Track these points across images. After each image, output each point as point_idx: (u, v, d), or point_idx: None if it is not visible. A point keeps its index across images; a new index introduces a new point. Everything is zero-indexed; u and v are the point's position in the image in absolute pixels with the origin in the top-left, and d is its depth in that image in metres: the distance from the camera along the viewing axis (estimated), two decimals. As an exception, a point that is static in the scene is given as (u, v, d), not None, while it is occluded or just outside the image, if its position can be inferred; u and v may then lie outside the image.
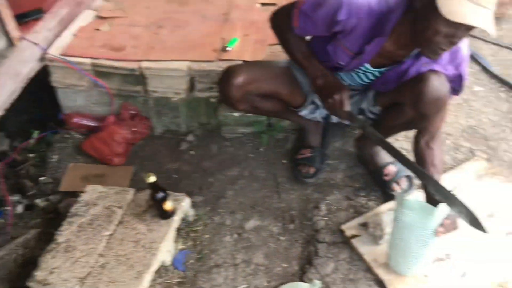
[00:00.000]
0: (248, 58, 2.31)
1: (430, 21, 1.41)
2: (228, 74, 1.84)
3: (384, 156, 2.09)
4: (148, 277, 1.81)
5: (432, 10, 1.39)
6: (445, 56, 1.64)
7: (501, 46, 2.81)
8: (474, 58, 2.73)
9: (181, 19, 2.65)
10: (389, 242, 1.73)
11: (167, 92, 2.45)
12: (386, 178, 2.05)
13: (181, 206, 2.02)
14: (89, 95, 2.56)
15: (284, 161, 2.34)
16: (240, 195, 2.21)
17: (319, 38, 1.80)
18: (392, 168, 2.06)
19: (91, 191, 2.14)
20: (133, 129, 2.54)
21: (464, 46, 1.67)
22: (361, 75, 1.84)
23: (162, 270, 1.92)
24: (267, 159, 2.37)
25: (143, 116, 2.59)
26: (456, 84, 1.74)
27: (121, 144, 2.47)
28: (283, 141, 2.44)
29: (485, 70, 2.65)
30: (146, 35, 2.54)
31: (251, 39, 2.44)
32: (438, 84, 1.64)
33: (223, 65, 2.27)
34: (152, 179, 1.85)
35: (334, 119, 2.11)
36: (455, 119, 2.40)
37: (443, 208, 1.53)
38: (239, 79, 1.82)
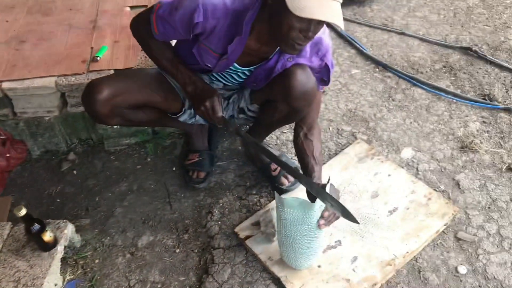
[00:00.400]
0: (120, 66, 2.19)
1: (282, 17, 1.40)
2: (90, 89, 1.72)
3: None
4: (32, 319, 1.66)
5: (282, 6, 1.37)
6: (308, 48, 1.65)
7: (373, 27, 2.92)
8: (349, 42, 2.81)
9: (45, 30, 2.46)
10: (278, 240, 1.73)
11: (38, 112, 2.26)
12: (274, 173, 2.06)
13: (64, 234, 1.88)
14: (-50, 124, 2.30)
15: (174, 169, 2.26)
16: (130, 211, 2.10)
17: (184, 42, 1.73)
18: (279, 162, 2.06)
19: (-39, 232, 1.93)
20: (6, 155, 2.32)
21: (326, 36, 1.69)
22: (233, 74, 1.81)
23: (51, 307, 1.78)
24: (156, 168, 2.28)
25: (17, 139, 2.38)
26: (324, 74, 1.76)
27: (-6, 174, 2.25)
28: (171, 148, 2.36)
29: (360, 52, 2.74)
30: (6, 52, 2.32)
31: (122, 45, 2.31)
32: (304, 78, 1.64)
33: (94, 76, 2.16)
34: (22, 212, 1.70)
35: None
36: (336, 104, 2.46)
37: (320, 202, 1.54)
38: (103, 94, 1.70)
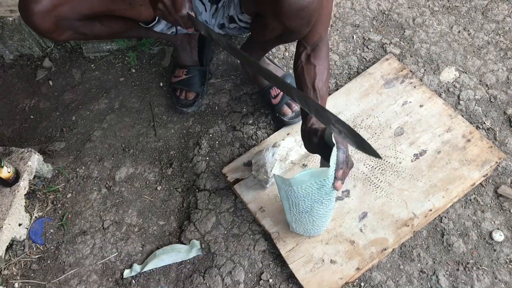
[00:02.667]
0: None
1: None
2: (26, -3, 1.30)
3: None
4: (-9, 264, 1.49)
5: None
6: None
7: None
8: None
9: None
10: (288, 218, 1.38)
11: (0, 11, 1.88)
12: (274, 100, 1.66)
13: (28, 166, 1.63)
14: None
15: (162, 85, 1.90)
16: (109, 135, 1.81)
17: None
18: (281, 87, 1.65)
19: None
20: (-26, 61, 2.01)
21: None
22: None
23: (17, 247, 1.60)
24: (141, 82, 1.92)
25: (-16, 42, 2.04)
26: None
27: (-39, 83, 1.97)
28: (160, 57, 1.97)
29: None
30: None
31: None
32: None
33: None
34: (-33, 149, 1.42)
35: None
36: (365, 3, 1.94)
37: (333, 161, 1.16)
38: (42, 3, 1.29)
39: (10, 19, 1.91)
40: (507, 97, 1.65)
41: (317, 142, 1.23)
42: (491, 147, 1.53)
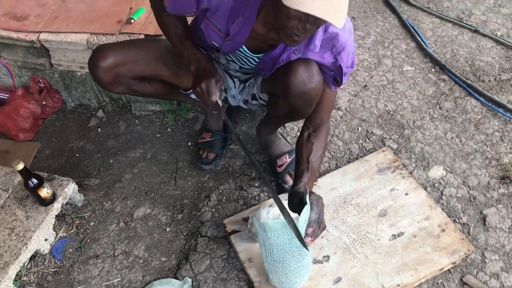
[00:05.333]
0: (151, 32, 2.14)
1: (278, 4, 1.23)
2: (96, 54, 1.68)
3: (280, 146, 1.97)
4: (14, 268, 1.74)
5: None
6: (318, 42, 1.47)
7: (444, 19, 2.58)
8: (411, 33, 2.51)
9: (94, -16, 2.46)
10: (265, 266, 1.60)
11: (72, 66, 2.31)
12: (279, 169, 1.93)
13: (64, 192, 1.93)
14: (-2, 66, 2.43)
15: (190, 144, 2.21)
16: (137, 179, 2.11)
17: (198, 18, 1.63)
18: (286, 159, 1.93)
19: (-18, 171, 2.05)
20: (42, 103, 2.42)
21: (345, 32, 1.48)
22: (244, 59, 1.68)
23: (39, 259, 1.86)
24: (173, 140, 2.25)
25: (54, 89, 2.46)
26: (337, 74, 1.56)
27: (28, 118, 2.36)
28: (192, 121, 2.31)
29: (420, 47, 2.44)
30: (53, 3, 2.37)
31: (160, 10, 2.25)
32: (305, 76, 1.48)
33: (124, 38, 2.14)
34: (20, 166, 1.75)
35: (234, 101, 1.96)
36: (374, 103, 2.23)
37: (303, 217, 1.40)
38: (107, 61, 1.66)
39: (79, 73, 2.32)
40: (485, 199, 1.85)
41: (297, 202, 1.48)
42: (463, 239, 1.71)
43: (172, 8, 1.57)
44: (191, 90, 1.89)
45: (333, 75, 1.58)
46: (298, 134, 2.10)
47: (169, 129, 2.30)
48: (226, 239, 1.82)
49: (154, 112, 2.37)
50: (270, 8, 1.37)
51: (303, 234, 1.41)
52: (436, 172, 1.94)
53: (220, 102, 1.55)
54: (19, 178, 2.00)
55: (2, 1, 2.39)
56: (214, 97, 1.53)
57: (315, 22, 1.24)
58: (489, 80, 2.26)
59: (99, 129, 2.36)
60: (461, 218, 1.80)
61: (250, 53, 1.62)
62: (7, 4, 2.37)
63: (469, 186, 1.89)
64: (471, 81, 2.25)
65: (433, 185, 1.90)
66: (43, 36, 2.20)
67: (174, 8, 1.56)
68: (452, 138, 2.06)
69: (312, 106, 1.58)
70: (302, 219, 1.38)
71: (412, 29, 2.52)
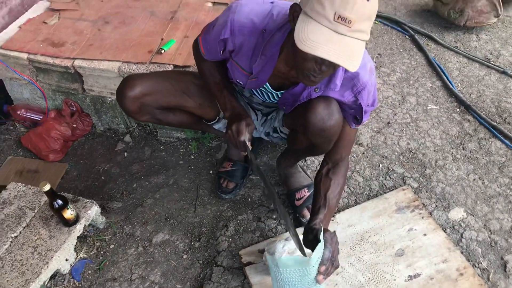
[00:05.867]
0: (180, 62, 2.22)
1: (295, 47, 1.27)
2: (124, 84, 1.76)
3: (299, 179, 1.98)
4: (35, 286, 1.79)
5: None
6: (339, 81, 1.50)
7: (472, 59, 2.57)
8: (437, 71, 2.51)
9: (129, 15, 2.58)
10: None
11: (103, 92, 2.40)
12: (297, 202, 1.94)
13: (87, 214, 1.99)
14: (34, 89, 2.55)
15: (211, 172, 2.25)
16: (158, 204, 2.15)
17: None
18: (305, 192, 1.95)
19: (12, 189, 2.14)
20: (73, 125, 2.52)
21: (366, 72, 1.51)
22: (266, 94, 1.73)
23: (59, 278, 1.91)
24: (195, 167, 2.29)
25: (85, 113, 2.56)
26: (358, 113, 1.58)
27: (58, 140, 2.45)
28: (215, 150, 2.35)
29: (445, 86, 2.44)
30: (89, 31, 2.48)
31: (189, 41, 2.33)
32: (325, 114, 1.51)
33: (153, 68, 2.22)
34: (46, 187, 1.82)
35: (256, 133, 2.00)
36: (396, 140, 2.23)
37: (316, 255, 1.41)
38: (135, 91, 1.73)
39: (109, 99, 2.41)
40: (507, 245, 1.81)
41: (312, 239, 1.49)
42: (482, 285, 1.67)
43: (208, 55, 1.66)
44: (214, 121, 1.94)
45: (354, 113, 1.60)
46: (318, 168, 2.12)
47: (192, 157, 2.35)
48: (241, 270, 1.83)
49: (178, 139, 2.43)
50: (290, 48, 1.42)
51: (315, 272, 1.41)
52: (457, 213, 1.91)
53: (248, 144, 1.61)
54: (45, 198, 2.07)
55: (42, 28, 2.52)
56: (243, 137, 1.59)
57: (331, 64, 1.27)
58: (515, 123, 2.24)
59: (125, 154, 2.43)
60: (481, 263, 1.76)
61: (273, 90, 1.66)
62: (46, 31, 2.50)
63: (490, 230, 1.85)
64: (496, 122, 2.23)
65: (453, 227, 1.88)
66: (77, 62, 2.31)
67: (209, 54, 1.65)
68: (474, 179, 2.03)
69: (331, 142, 1.60)
70: (315, 257, 1.39)
71: (438, 68, 2.52)
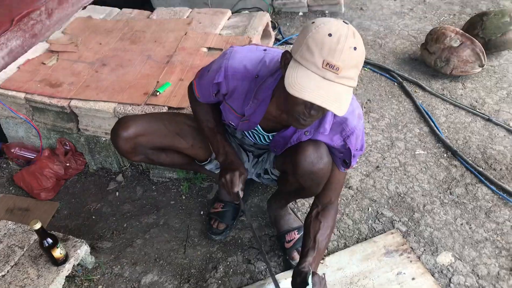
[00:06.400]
0: (175, 104, 2.27)
1: (286, 91, 1.32)
2: (118, 124, 1.81)
3: (289, 221, 2.00)
4: (19, 327, 1.77)
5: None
6: (328, 126, 1.55)
7: (458, 106, 2.65)
8: (425, 118, 2.59)
9: (126, 57, 2.65)
10: None
11: (98, 132, 2.44)
12: (287, 245, 1.95)
13: (76, 253, 1.98)
14: (29, 127, 2.58)
15: (202, 213, 2.26)
16: (148, 245, 2.15)
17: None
18: (294, 235, 1.96)
19: (2, 227, 2.14)
20: (66, 164, 2.54)
21: (354, 117, 1.56)
22: (259, 136, 1.77)
23: (45, 319, 1.88)
24: (186, 208, 2.31)
25: (78, 152, 2.58)
26: (347, 157, 1.63)
27: (51, 178, 2.47)
28: (207, 190, 2.37)
29: (433, 132, 2.50)
30: (86, 72, 2.55)
31: (184, 84, 2.40)
32: (314, 158, 1.55)
33: (148, 110, 2.26)
34: (37, 226, 1.82)
35: (251, 175, 2.04)
36: (385, 184, 2.27)
37: None
38: (128, 132, 1.78)
39: (103, 139, 2.45)
40: (494, 290, 1.82)
41: (300, 282, 1.50)
42: (470, 330, 1.67)
43: (202, 98, 1.73)
44: (206, 162, 1.98)
45: (343, 157, 1.64)
46: (309, 210, 2.14)
47: (184, 197, 2.36)
48: (230, 313, 1.82)
49: (170, 179, 2.45)
50: (281, 93, 1.47)
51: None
52: (445, 258, 1.93)
53: (241, 194, 1.67)
54: (35, 236, 2.06)
55: (40, 69, 2.59)
56: (236, 188, 1.66)
57: (319, 109, 1.32)
58: (501, 169, 2.28)
59: (117, 193, 2.44)
60: (469, 308, 1.77)
61: (264, 132, 1.71)
62: (44, 71, 2.57)
63: (478, 275, 1.87)
64: (482, 168, 2.28)
65: (441, 271, 1.89)
66: (73, 102, 2.36)
67: (203, 97, 1.72)
68: (462, 224, 2.06)
69: (320, 185, 1.64)
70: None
71: (426, 114, 2.60)
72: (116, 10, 3.16)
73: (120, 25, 2.95)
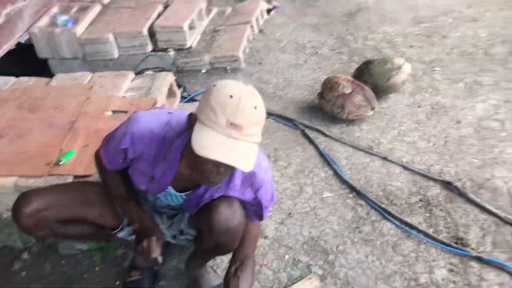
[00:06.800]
0: (81, 172, 2.20)
1: (194, 151, 1.36)
2: (19, 200, 1.73)
3: (209, 280, 2.00)
4: None
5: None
6: (239, 181, 1.61)
7: (357, 148, 2.85)
8: (327, 162, 2.74)
9: (26, 127, 2.54)
10: None
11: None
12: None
13: None
14: None
15: (118, 283, 2.18)
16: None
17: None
18: (215, 294, 1.95)
19: None
20: (-38, 247, 2.33)
21: (262, 170, 1.63)
22: (171, 197, 1.77)
23: None
24: (101, 280, 2.21)
25: (-24, 232, 2.39)
26: (259, 209, 1.68)
27: None
28: (122, 259, 2.29)
29: (337, 174, 2.65)
30: (-18, 146, 2.40)
31: (90, 150, 2.33)
32: (228, 213, 1.59)
33: (52, 181, 2.17)
34: None
35: (167, 237, 2.01)
36: (299, 230, 2.35)
37: None
38: (30, 207, 1.70)
39: (5, 216, 2.30)
40: (408, 320, 1.93)
41: None
42: None
43: (110, 165, 1.71)
44: (118, 229, 1.93)
45: (255, 210, 1.70)
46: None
47: (97, 268, 2.26)
48: None
49: (81, 251, 2.34)
50: (190, 153, 1.51)
51: None
52: (360, 299, 2.02)
53: (160, 259, 1.64)
54: None
55: None
56: (154, 254, 1.63)
57: (228, 166, 1.38)
58: (401, 204, 2.47)
59: (23, 273, 2.28)
60: None
61: (176, 192, 1.72)
62: None
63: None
64: (385, 205, 2.44)
65: (357, 310, 1.97)
66: (-32, 180, 2.20)
67: (111, 164, 1.71)
68: (373, 261, 2.18)
69: (236, 241, 1.67)
70: None
71: (329, 158, 2.76)
72: (13, 79, 3.05)
73: (17, 93, 2.84)
